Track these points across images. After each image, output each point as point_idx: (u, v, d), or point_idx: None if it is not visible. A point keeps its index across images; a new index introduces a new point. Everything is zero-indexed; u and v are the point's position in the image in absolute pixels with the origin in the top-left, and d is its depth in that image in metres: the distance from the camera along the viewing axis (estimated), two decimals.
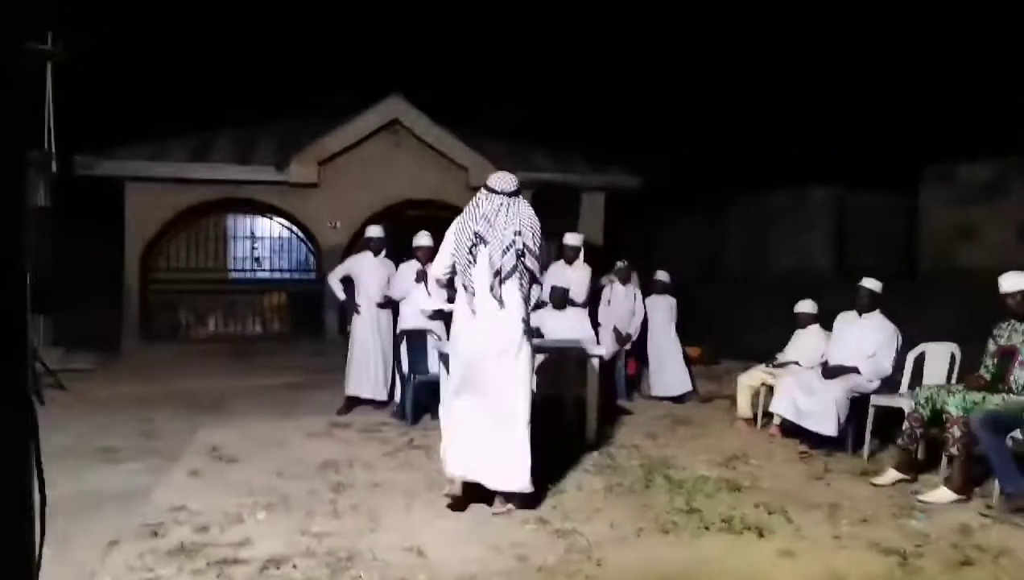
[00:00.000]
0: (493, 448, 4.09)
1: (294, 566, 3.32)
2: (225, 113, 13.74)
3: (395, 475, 4.84)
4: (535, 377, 6.26)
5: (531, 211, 4.25)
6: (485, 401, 4.13)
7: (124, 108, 14.83)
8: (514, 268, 4.11)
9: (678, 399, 7.89)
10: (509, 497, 4.11)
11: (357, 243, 11.46)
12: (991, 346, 4.80)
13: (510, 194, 4.20)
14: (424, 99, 12.18)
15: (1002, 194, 8.15)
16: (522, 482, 4.08)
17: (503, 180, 4.23)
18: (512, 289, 4.12)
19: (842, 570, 3.35)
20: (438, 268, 4.40)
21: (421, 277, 6.62)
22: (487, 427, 4.12)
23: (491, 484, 4.12)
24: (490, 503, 4.14)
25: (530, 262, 4.15)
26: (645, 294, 8.38)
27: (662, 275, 8.45)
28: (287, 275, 12.91)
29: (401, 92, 12.02)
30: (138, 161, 11.14)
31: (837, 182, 10.84)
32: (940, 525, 4.00)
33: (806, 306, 6.68)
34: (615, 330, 7.90)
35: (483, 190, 4.25)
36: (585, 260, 7.69)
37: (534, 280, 4.25)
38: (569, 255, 7.54)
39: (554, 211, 10.92)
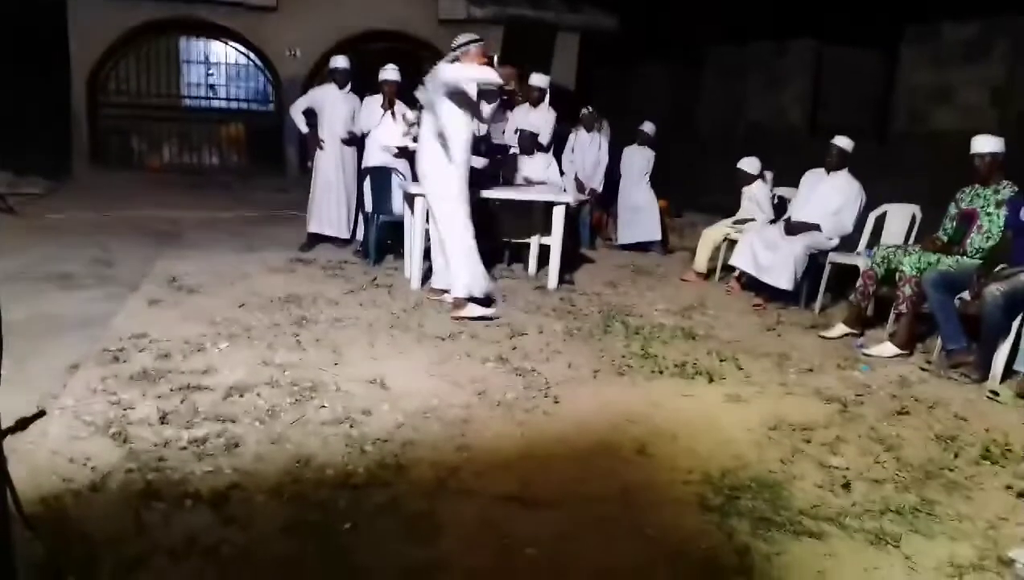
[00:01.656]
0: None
1: (258, 394, 3.38)
2: None
3: (358, 311, 4.87)
4: (501, 222, 6.28)
5: (449, 62, 4.83)
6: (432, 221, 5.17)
7: None
8: (420, 112, 5.09)
9: (643, 247, 7.96)
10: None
11: (318, 75, 10.97)
12: (952, 209, 4.86)
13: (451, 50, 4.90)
14: None
15: (982, 56, 7.99)
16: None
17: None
18: (425, 126, 4.97)
19: (786, 414, 3.52)
20: None
21: (388, 107, 6.43)
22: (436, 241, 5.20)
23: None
24: None
25: (425, 96, 4.87)
26: (627, 143, 8.25)
27: (648, 127, 8.24)
28: (244, 105, 12.38)
29: None
30: None
31: (816, 36, 10.51)
32: (881, 377, 4.21)
33: (747, 165, 6.73)
34: (576, 179, 7.82)
35: None
36: (553, 104, 7.46)
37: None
38: (534, 97, 7.29)
39: (526, 51, 10.49)
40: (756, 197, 6.67)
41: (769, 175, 6.87)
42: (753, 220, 6.55)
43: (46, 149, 10.19)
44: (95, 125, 11.14)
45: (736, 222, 6.65)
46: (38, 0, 10.25)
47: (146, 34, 11.18)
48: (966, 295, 4.32)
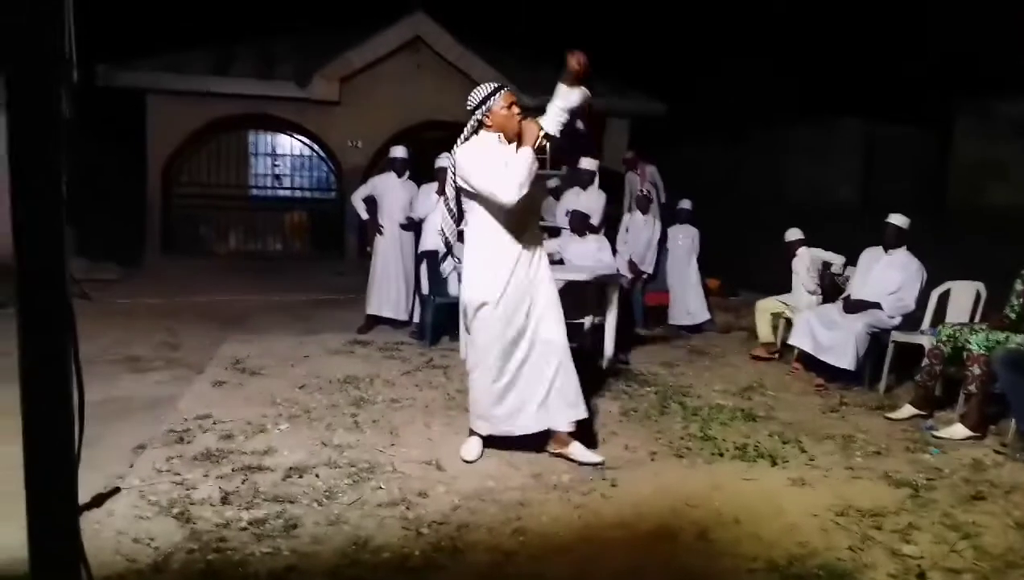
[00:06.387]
0: None
1: (317, 475, 3.42)
2: (245, 23, 13.48)
3: (415, 392, 4.92)
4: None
5: (470, 134, 3.86)
6: None
7: (143, 15, 14.55)
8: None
9: (696, 329, 7.92)
10: None
11: (378, 164, 11.42)
12: (1018, 286, 4.71)
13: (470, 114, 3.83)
14: (447, 15, 11.87)
15: None
16: None
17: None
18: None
19: (854, 499, 3.39)
20: None
21: (443, 193, 6.60)
22: None
23: None
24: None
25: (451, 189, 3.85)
26: (668, 223, 8.32)
27: (685, 204, 8.36)
28: (308, 194, 12.92)
29: (424, 8, 11.74)
30: (159, 73, 11.03)
31: (867, 114, 10.57)
32: (953, 460, 4.03)
33: (792, 234, 6.73)
34: (630, 261, 7.87)
35: None
36: (603, 187, 7.60)
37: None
38: (584, 180, 7.45)
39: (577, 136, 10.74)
40: (802, 265, 6.57)
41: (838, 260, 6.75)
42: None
43: (120, 237, 10.73)
44: (167, 214, 11.73)
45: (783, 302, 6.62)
46: (119, 97, 10.99)
47: (217, 129, 11.84)
48: None
